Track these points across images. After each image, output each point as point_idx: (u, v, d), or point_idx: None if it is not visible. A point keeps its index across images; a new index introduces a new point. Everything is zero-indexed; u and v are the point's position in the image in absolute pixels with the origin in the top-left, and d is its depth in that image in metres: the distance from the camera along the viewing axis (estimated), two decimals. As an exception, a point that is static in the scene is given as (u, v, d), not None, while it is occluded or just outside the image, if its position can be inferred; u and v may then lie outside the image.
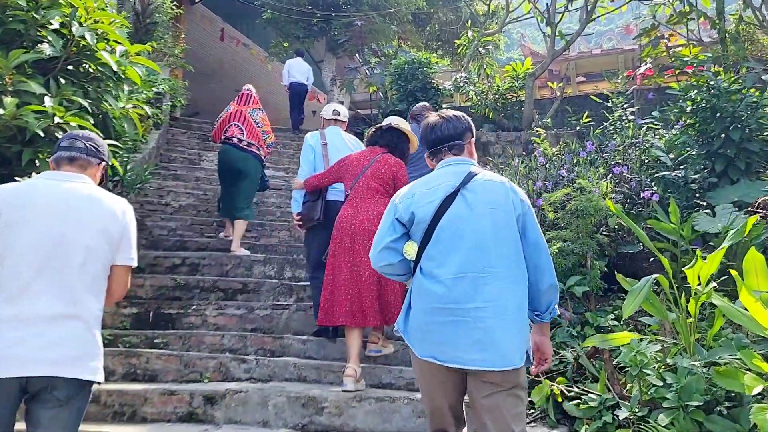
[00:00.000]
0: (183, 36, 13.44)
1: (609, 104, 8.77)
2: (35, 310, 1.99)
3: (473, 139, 2.49)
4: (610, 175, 5.09)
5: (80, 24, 4.16)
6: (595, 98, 9.19)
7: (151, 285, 4.76)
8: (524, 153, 9.66)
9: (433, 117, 2.53)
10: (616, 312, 3.81)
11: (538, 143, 8.56)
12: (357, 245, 3.70)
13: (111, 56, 4.37)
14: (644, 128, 6.34)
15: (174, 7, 9.08)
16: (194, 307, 4.44)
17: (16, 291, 2.00)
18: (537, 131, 9.58)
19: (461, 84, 10.08)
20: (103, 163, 2.39)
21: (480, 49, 10.39)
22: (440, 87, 9.66)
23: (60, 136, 3.93)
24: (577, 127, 9.95)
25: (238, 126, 6.05)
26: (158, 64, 8.03)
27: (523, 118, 10.27)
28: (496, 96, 10.38)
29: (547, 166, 5.66)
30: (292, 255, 5.79)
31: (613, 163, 5.69)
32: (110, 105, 4.50)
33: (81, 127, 4.15)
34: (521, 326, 2.20)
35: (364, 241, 3.63)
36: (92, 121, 4.27)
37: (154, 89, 6.71)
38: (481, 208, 2.23)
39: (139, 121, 4.91)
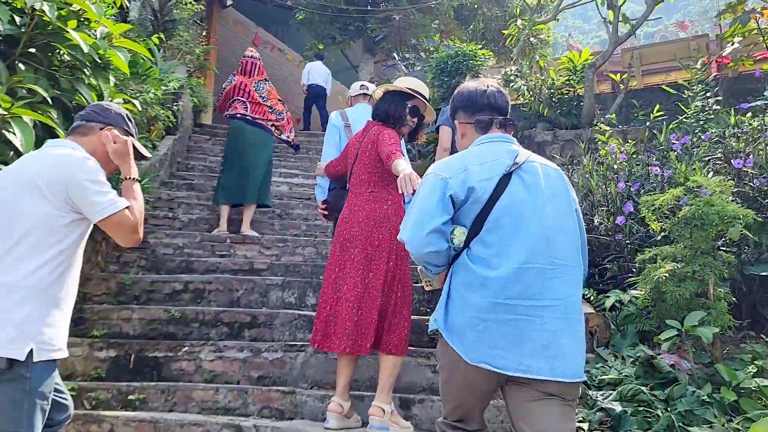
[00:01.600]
0: (209, 36, 12.79)
1: (684, 95, 7.56)
2: None
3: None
4: (717, 172, 3.95)
5: (40, -6, 3.30)
6: (668, 89, 7.97)
7: (141, 318, 3.87)
8: (586, 153, 8.51)
9: (480, 83, 2.21)
10: (757, 362, 2.69)
11: (603, 141, 7.45)
12: (345, 253, 3.16)
13: (83, 36, 3.50)
14: (747, 115, 5.15)
15: (194, 2, 8.32)
16: (187, 348, 3.52)
17: None
18: (601, 128, 8.43)
19: (511, 78, 8.99)
20: (109, 126, 2.24)
21: (531, 38, 9.30)
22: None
23: (7, 132, 3.01)
24: (647, 123, 8.75)
25: (242, 102, 5.59)
26: (173, 63, 7.25)
27: (582, 115, 9.09)
28: (551, 91, 9.25)
29: (628, 163, 4.54)
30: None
31: (709, 156, 4.57)
32: (85, 97, 3.63)
33: (42, 123, 3.30)
34: (584, 329, 1.97)
35: (352, 250, 3.13)
36: (55, 116, 3.40)
37: (163, 87, 5.88)
38: (542, 193, 1.99)
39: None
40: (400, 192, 2.62)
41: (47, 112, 3.34)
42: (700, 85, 7.33)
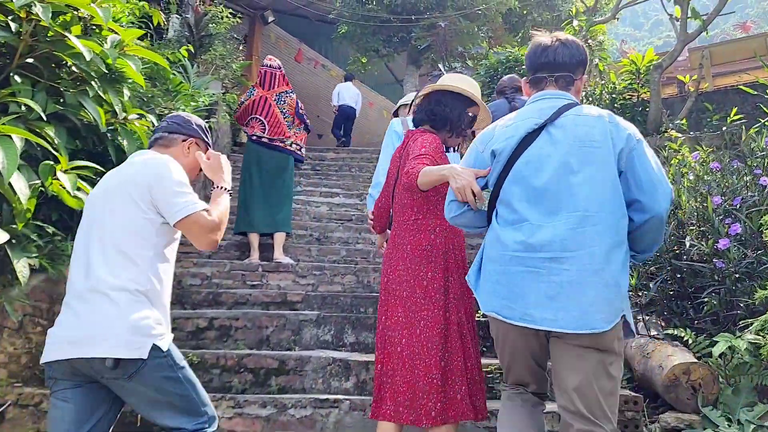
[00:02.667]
0: (252, 53, 12.58)
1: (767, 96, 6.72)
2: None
3: (584, 77, 2.22)
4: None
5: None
6: (748, 89, 7.13)
7: (155, 363, 3.39)
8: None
9: (546, 37, 2.18)
10: None
11: (675, 149, 6.68)
12: (390, 298, 2.58)
13: (87, 44, 3.08)
14: None
15: (230, 16, 7.99)
16: (202, 402, 3.00)
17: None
18: (671, 135, 7.64)
19: (568, 83, 8.29)
20: (191, 139, 2.30)
21: (589, 40, 8.60)
22: (543, 88, 7.93)
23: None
24: (724, 128, 7.90)
25: (260, 121, 5.21)
26: (207, 78, 6.90)
27: (648, 121, 8.31)
28: (613, 96, 8.50)
29: (721, 173, 3.82)
30: (358, 310, 4.28)
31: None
32: (90, 113, 3.20)
33: (35, 142, 2.88)
34: (613, 283, 1.84)
35: (398, 293, 2.53)
36: (55, 134, 2.99)
37: (193, 103, 5.49)
38: (570, 146, 1.95)
39: (146, 137, 3.62)
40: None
41: (43, 129, 2.92)
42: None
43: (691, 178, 4.00)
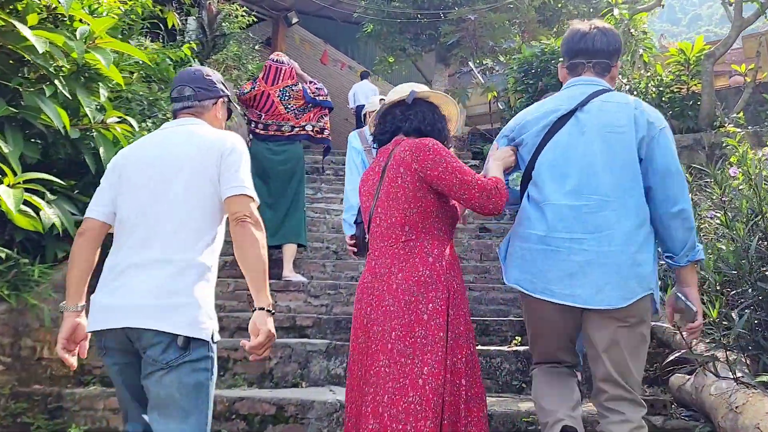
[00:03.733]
0: (267, 51, 12.19)
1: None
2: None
3: (619, 63, 2.30)
4: None
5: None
6: (816, 76, 6.34)
7: (134, 407, 2.88)
8: (712, 162, 6.96)
9: (584, 24, 2.22)
10: None
11: (734, 145, 5.96)
12: (371, 343, 2.06)
13: (42, 34, 2.61)
14: None
15: (245, 14, 7.53)
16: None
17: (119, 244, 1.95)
18: (728, 129, 6.88)
19: (611, 76, 7.60)
20: (220, 99, 2.18)
21: (632, 30, 7.88)
22: (582, 82, 7.25)
23: None
24: (788, 121, 7.11)
25: (256, 113, 4.80)
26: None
27: (700, 116, 7.56)
28: (660, 89, 7.77)
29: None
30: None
31: None
32: (50, 115, 2.72)
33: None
34: (631, 263, 1.95)
35: (384, 335, 2.03)
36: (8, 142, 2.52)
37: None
38: (595, 131, 2.06)
39: (127, 143, 3.13)
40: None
41: (-14, 137, 2.45)
42: None
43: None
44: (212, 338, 1.84)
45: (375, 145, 2.40)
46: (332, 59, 14.80)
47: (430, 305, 2.03)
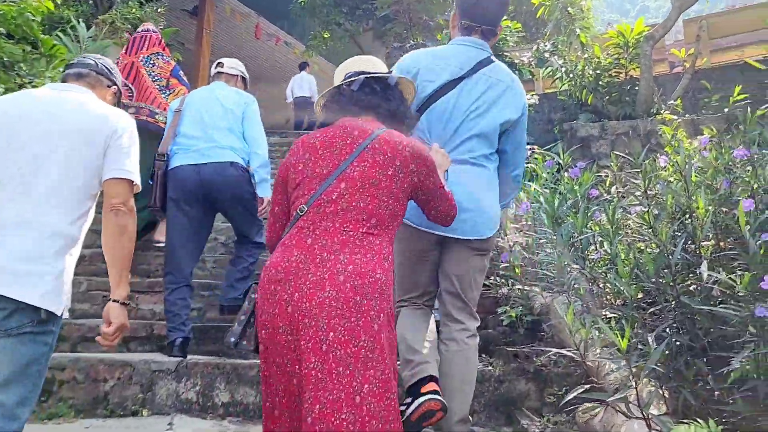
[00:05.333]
0: (203, 26, 11.33)
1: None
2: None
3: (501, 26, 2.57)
4: None
5: None
6: (756, 63, 6.01)
7: None
8: (646, 150, 6.59)
9: None
10: None
11: (670, 133, 5.58)
12: (299, 338, 1.70)
13: None
14: None
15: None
16: None
17: None
18: (664, 117, 6.52)
19: (545, 56, 7.13)
20: (115, 87, 2.23)
21: (569, 8, 7.42)
22: (516, 62, 6.76)
23: None
24: (726, 109, 6.79)
25: (127, 86, 4.19)
26: (103, 43, 5.64)
27: (637, 102, 7.18)
28: (597, 72, 7.35)
29: (748, 164, 2.69)
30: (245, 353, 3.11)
31: None
32: None
33: None
34: (494, 205, 2.40)
35: (318, 335, 1.68)
36: None
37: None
38: (475, 100, 2.32)
39: None
40: None
41: None
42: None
43: (696, 168, 2.87)
44: (62, 314, 1.80)
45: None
46: (266, 33, 13.92)
47: (382, 315, 1.75)
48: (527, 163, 6.48)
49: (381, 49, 11.86)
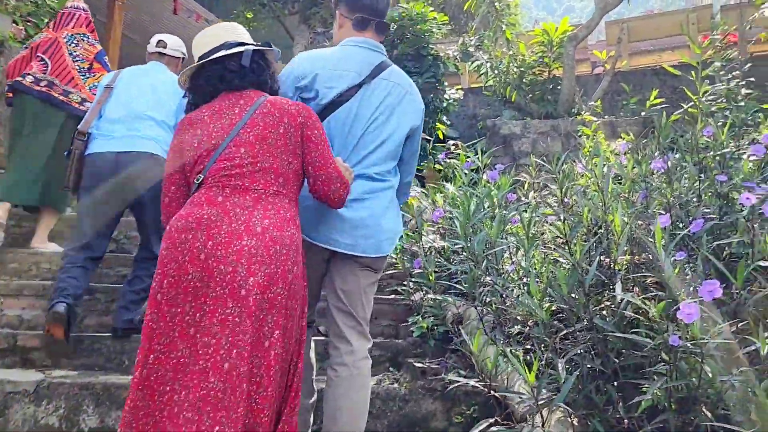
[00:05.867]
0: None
1: (692, 78, 5.68)
2: None
3: None
4: None
5: None
6: (672, 69, 6.09)
7: None
8: (567, 151, 6.58)
9: None
10: None
11: (589, 134, 5.58)
12: (212, 283, 1.73)
13: None
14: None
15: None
16: None
17: None
18: (584, 118, 6.54)
19: (470, 50, 7.01)
20: None
21: (496, 3, 7.32)
22: (441, 55, 6.59)
23: None
24: (642, 113, 6.90)
25: (41, 59, 3.82)
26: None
27: (559, 102, 7.20)
28: (521, 70, 7.31)
29: (668, 176, 2.59)
30: (126, 367, 2.79)
31: None
32: None
33: None
34: (396, 221, 2.25)
35: (237, 280, 1.73)
36: None
37: None
38: (376, 108, 2.18)
39: None
40: None
41: None
42: (717, 65, 5.46)
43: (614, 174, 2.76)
44: None
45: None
46: (185, 9, 13.14)
47: (296, 268, 1.85)
48: (451, 158, 6.36)
49: (306, 33, 11.46)
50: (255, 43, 2.05)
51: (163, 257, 1.80)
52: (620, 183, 2.86)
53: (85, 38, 3.96)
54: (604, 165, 2.49)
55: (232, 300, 1.71)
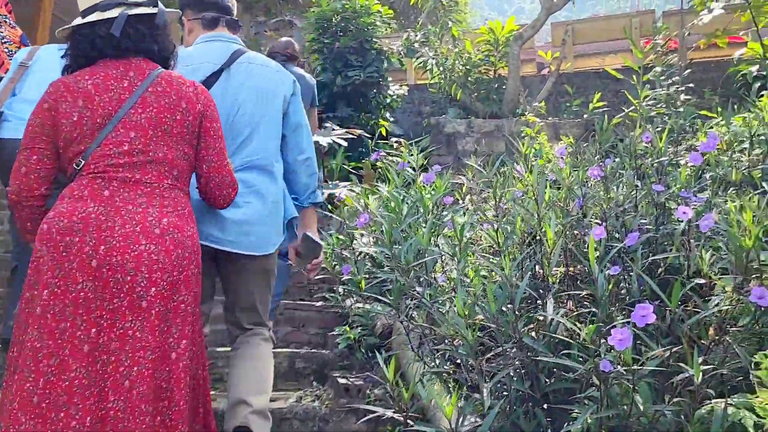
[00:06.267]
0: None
1: (634, 83, 5.70)
2: None
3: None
4: None
5: None
6: (615, 72, 6.10)
7: None
8: (511, 153, 6.51)
9: None
10: None
11: (533, 136, 5.52)
12: (108, 294, 1.57)
13: None
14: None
15: None
16: None
17: None
18: (528, 119, 6.48)
19: (415, 46, 6.85)
20: None
21: (443, -1, 7.20)
22: (386, 49, 6.41)
23: None
24: (584, 115, 6.90)
25: None
26: None
27: (504, 101, 7.13)
28: (467, 68, 7.20)
29: (605, 183, 2.47)
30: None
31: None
32: None
33: None
34: (276, 216, 2.14)
35: (136, 290, 1.59)
36: None
37: None
38: (244, 91, 2.11)
39: None
40: None
41: None
42: (658, 69, 5.47)
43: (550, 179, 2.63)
44: None
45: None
46: None
47: (197, 271, 1.74)
48: (393, 156, 6.18)
49: (248, 21, 11.10)
50: (133, 2, 1.79)
51: (40, 263, 1.59)
52: (559, 188, 2.74)
53: (6, 20, 3.63)
54: (540, 170, 2.34)
55: (132, 313, 1.57)
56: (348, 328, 3.02)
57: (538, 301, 2.06)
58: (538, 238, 2.20)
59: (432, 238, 2.53)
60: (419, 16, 8.35)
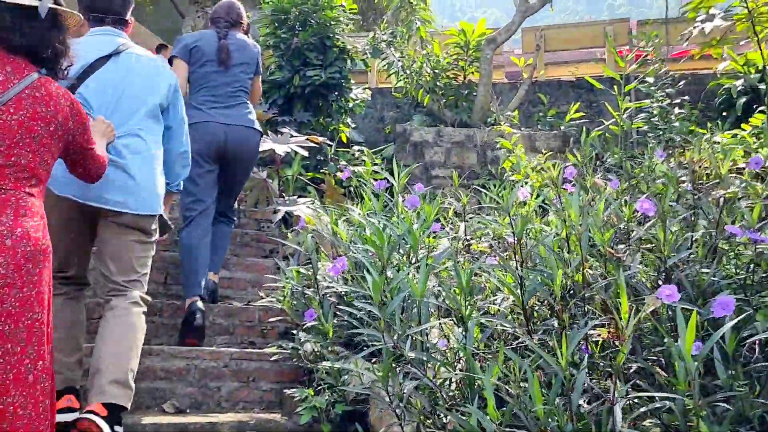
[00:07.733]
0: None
1: (614, 93, 5.25)
2: None
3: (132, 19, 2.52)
4: None
5: None
6: (594, 81, 5.65)
7: None
8: (483, 164, 6.00)
9: None
10: None
11: (509, 149, 5.00)
12: None
13: None
14: None
15: None
16: None
17: None
18: (502, 129, 5.97)
19: (380, 46, 6.26)
20: None
21: (411, -1, 6.62)
22: (348, 47, 5.78)
23: None
24: (562, 127, 6.45)
25: None
26: None
27: (474, 109, 6.61)
28: (436, 72, 6.65)
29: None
30: None
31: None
32: None
33: None
34: (160, 181, 2.37)
35: None
36: None
37: None
38: (129, 78, 2.33)
39: None
40: None
41: None
42: (650, 80, 5.05)
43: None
44: None
45: None
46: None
47: (49, 283, 1.73)
48: (356, 164, 5.55)
49: (194, 12, 10.30)
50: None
51: None
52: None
53: None
54: (578, 203, 1.76)
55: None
56: (311, 392, 2.37)
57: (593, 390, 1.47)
58: (583, 295, 1.62)
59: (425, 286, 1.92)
60: (378, 18, 7.79)
